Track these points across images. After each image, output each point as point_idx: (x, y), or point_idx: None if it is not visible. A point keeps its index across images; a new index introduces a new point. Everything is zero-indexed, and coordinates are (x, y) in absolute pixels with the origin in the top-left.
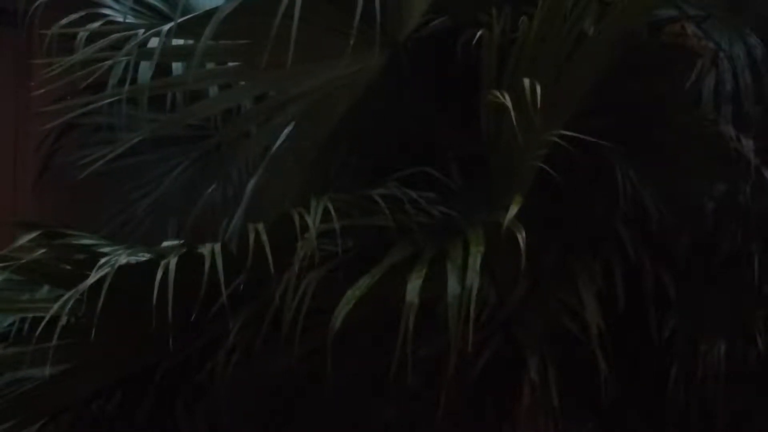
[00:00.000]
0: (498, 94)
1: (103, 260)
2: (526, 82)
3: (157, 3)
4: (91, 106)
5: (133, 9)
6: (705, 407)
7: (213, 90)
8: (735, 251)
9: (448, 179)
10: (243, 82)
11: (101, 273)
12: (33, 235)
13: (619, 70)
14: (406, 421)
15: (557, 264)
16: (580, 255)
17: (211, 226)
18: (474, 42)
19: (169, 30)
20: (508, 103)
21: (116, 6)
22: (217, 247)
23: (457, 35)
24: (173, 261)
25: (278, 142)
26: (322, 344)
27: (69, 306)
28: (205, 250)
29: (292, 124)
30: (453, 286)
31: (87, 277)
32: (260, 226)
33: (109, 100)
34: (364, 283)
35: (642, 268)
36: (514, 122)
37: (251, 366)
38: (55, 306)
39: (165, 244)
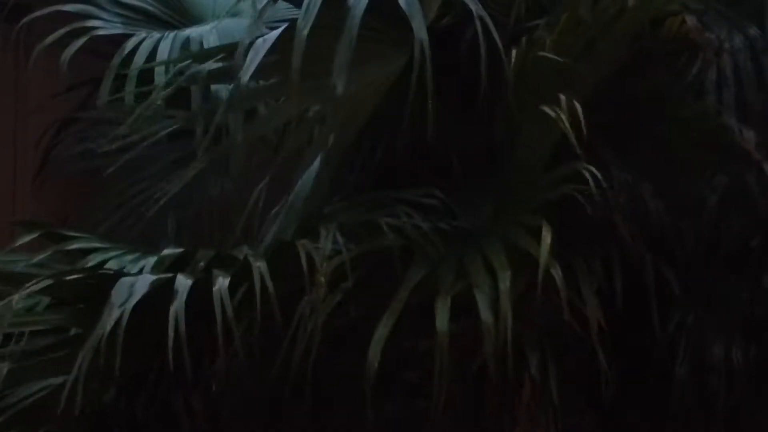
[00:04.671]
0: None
1: (115, 291)
2: (563, 98)
3: (149, 7)
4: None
5: (123, 15)
6: (706, 404)
7: None
8: (738, 245)
9: (457, 189)
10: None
11: (115, 315)
12: (33, 235)
13: (619, 65)
14: (407, 416)
15: (557, 259)
16: (580, 250)
17: (210, 222)
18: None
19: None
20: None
21: (105, 16)
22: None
23: (461, 36)
24: (187, 283)
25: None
26: (323, 342)
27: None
28: (218, 275)
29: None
30: (486, 315)
31: (90, 285)
32: (263, 264)
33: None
34: (390, 314)
35: (643, 264)
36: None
37: (252, 363)
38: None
39: (166, 251)
